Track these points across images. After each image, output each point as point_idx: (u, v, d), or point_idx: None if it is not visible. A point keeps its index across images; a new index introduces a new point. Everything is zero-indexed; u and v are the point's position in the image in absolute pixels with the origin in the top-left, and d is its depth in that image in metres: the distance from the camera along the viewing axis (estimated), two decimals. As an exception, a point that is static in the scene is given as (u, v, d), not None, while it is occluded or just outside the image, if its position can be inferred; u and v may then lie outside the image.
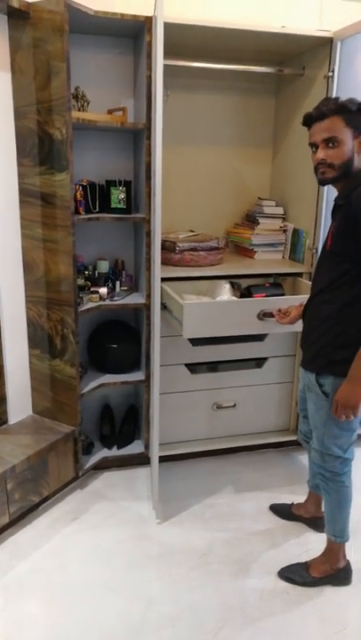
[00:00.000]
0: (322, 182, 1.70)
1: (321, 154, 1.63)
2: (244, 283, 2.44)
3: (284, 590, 1.88)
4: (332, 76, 2.26)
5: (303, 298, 2.07)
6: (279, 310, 2.09)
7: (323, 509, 2.03)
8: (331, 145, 1.60)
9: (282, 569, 1.95)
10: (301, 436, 2.14)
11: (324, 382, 1.74)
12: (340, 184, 1.67)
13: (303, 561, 1.97)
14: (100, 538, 2.11)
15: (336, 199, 1.69)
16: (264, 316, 2.15)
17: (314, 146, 1.66)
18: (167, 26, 1.96)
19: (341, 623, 1.75)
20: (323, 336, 1.72)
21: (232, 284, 2.38)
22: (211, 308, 2.09)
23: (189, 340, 2.46)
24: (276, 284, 2.45)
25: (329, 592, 1.88)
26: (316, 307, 1.76)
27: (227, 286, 2.34)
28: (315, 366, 1.76)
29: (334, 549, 1.91)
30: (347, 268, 1.62)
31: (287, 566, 1.96)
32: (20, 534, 2.11)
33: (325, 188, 2.30)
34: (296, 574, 1.92)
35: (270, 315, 2.12)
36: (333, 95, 2.25)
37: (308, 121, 1.66)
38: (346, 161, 1.61)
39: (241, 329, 2.19)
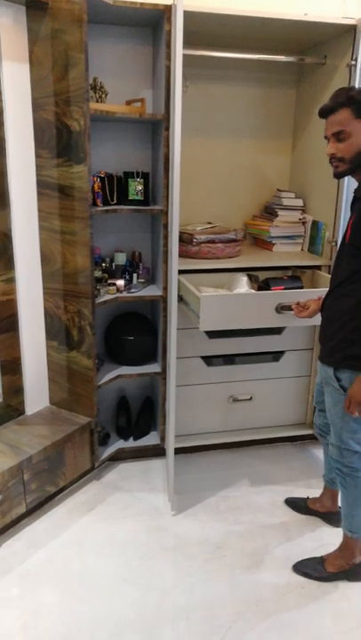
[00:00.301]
0: (336, 175, 1.67)
1: (331, 148, 1.61)
2: (262, 275, 2.42)
3: (298, 585, 1.88)
4: (355, 65, 2.21)
5: (322, 291, 2.05)
6: (298, 303, 2.07)
7: (339, 504, 2.01)
8: (341, 138, 1.58)
9: (297, 563, 1.95)
10: (317, 430, 2.12)
11: (341, 377, 1.72)
12: (359, 176, 1.64)
13: (318, 555, 1.97)
14: (115, 529, 2.13)
15: (355, 191, 1.66)
16: (282, 309, 2.13)
17: (327, 139, 1.64)
18: (187, 14, 1.93)
19: (356, 619, 1.75)
20: (340, 330, 1.70)
21: (250, 277, 2.36)
22: (228, 300, 2.08)
23: (206, 332, 2.45)
24: (294, 276, 2.42)
25: (344, 587, 1.88)
26: (334, 300, 1.74)
27: (244, 279, 2.33)
28: (332, 360, 1.74)
29: (350, 545, 1.90)
30: None
31: (302, 560, 1.96)
32: (36, 524, 2.14)
33: (346, 179, 2.27)
34: (311, 569, 1.92)
35: (288, 308, 2.11)
36: (356, 85, 2.21)
37: (323, 113, 1.63)
38: (357, 154, 1.58)
39: (258, 322, 2.17)
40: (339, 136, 1.58)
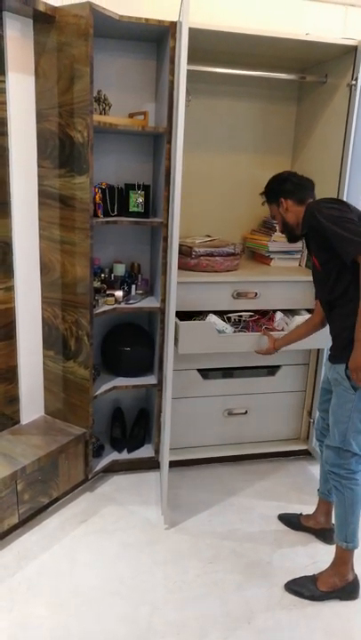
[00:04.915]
0: (288, 241, 2.12)
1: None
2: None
3: (291, 602, 1.86)
4: (356, 85, 2.24)
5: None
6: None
7: (333, 521, 2.00)
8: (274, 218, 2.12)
9: (289, 582, 1.93)
10: (317, 434, 2.16)
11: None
12: (296, 230, 2.01)
13: (311, 574, 1.95)
14: (107, 541, 2.11)
15: (303, 236, 2.01)
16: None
17: None
18: (191, 31, 1.96)
19: (348, 639, 1.73)
20: (352, 330, 1.78)
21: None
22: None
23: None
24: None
25: (336, 606, 1.86)
26: (340, 308, 1.86)
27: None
28: (346, 357, 1.80)
29: (345, 558, 1.89)
30: (339, 270, 1.80)
31: (294, 579, 1.94)
32: (28, 535, 2.12)
33: (345, 196, 2.31)
34: (304, 588, 1.90)
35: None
36: (356, 105, 2.24)
37: None
38: (282, 225, 2.05)
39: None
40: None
